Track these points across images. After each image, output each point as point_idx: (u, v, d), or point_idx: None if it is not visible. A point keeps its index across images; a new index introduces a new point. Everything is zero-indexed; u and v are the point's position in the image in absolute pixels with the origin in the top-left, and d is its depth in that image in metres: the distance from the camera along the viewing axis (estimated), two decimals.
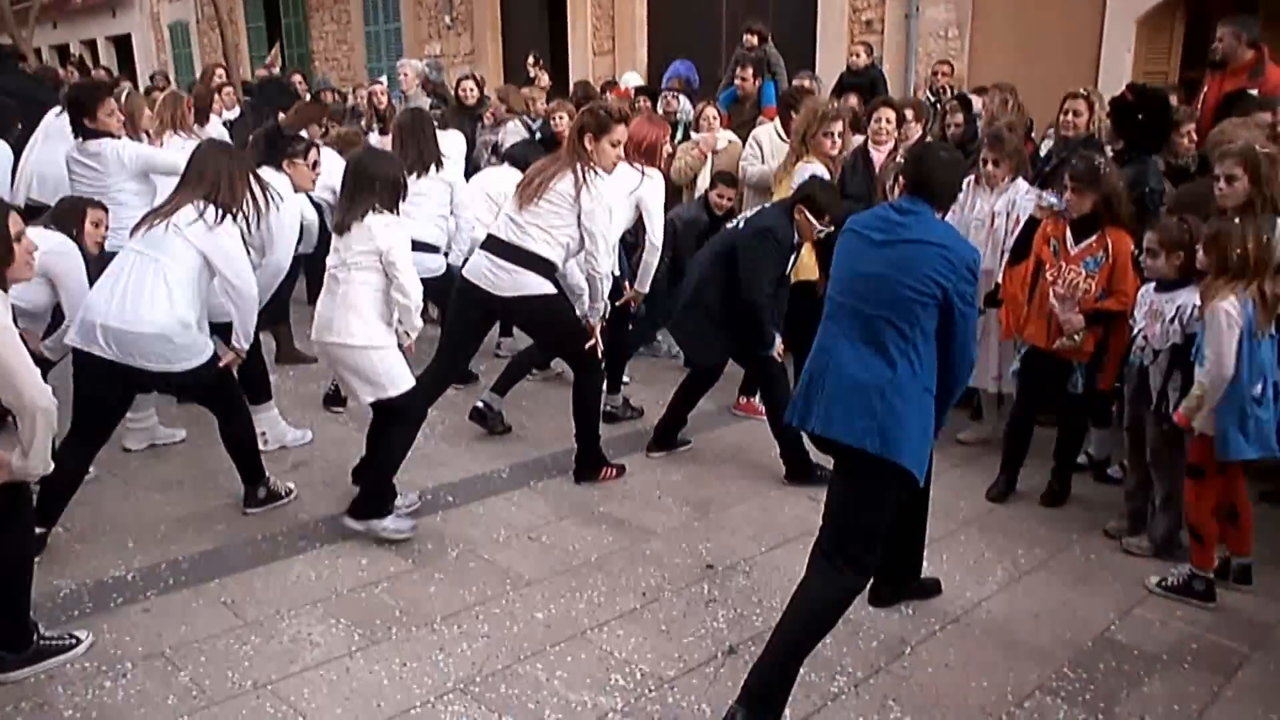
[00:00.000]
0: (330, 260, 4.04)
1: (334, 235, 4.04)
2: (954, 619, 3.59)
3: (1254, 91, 5.55)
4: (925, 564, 3.84)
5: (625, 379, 5.83)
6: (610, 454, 4.90)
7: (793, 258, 4.84)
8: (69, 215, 4.36)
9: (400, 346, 4.10)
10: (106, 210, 4.61)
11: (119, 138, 5.32)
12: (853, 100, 7.34)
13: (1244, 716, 3.05)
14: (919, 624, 3.53)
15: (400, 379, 4.05)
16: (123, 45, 22.96)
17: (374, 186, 3.94)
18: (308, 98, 8.54)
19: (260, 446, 4.45)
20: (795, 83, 7.62)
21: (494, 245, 4.53)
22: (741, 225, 4.76)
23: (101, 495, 4.45)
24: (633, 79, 9.58)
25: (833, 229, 4.54)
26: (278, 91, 8.73)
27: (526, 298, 4.48)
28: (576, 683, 3.15)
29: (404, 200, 4.12)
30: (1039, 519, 4.44)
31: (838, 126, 5.77)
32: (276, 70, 10.50)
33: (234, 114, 8.63)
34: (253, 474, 4.33)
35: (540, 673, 3.20)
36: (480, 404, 5.29)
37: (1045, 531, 4.30)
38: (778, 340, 4.73)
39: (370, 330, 3.98)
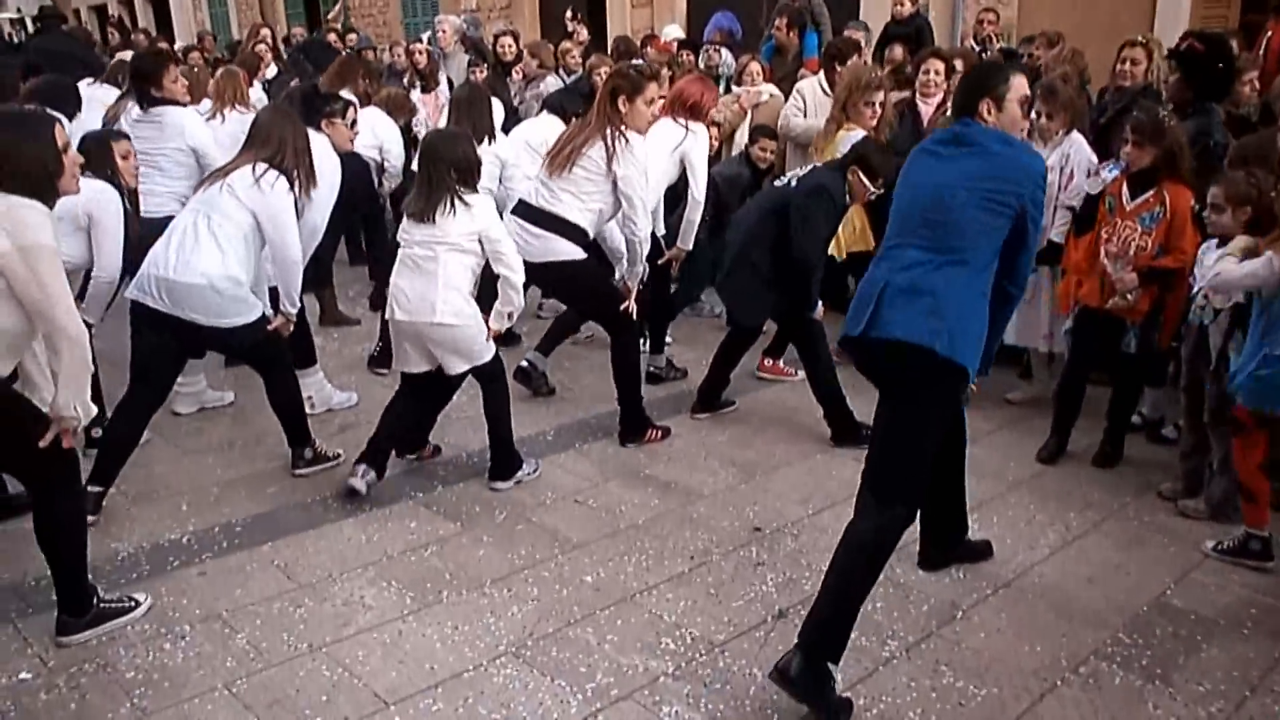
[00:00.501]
0: (413, 241, 4.01)
1: (411, 220, 4.01)
2: (1005, 583, 3.55)
3: None
4: (975, 526, 3.81)
5: (668, 339, 5.79)
6: (655, 415, 4.88)
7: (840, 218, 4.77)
8: (99, 155, 4.35)
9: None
10: (129, 138, 4.64)
11: (184, 105, 5.37)
12: (897, 51, 7.17)
13: None
14: (970, 588, 3.50)
15: (488, 347, 4.15)
16: (160, 4, 23.00)
17: (451, 171, 3.96)
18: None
19: (307, 410, 4.49)
20: (846, 33, 7.45)
21: (524, 210, 4.53)
22: (794, 184, 4.68)
23: (154, 458, 4.52)
24: (673, 31, 9.43)
25: (884, 191, 4.48)
26: (320, 50, 8.69)
27: (558, 263, 4.47)
28: (627, 646, 3.16)
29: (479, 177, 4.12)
30: (1091, 481, 4.37)
31: (879, 96, 5.65)
32: (340, 26, 10.35)
33: (272, 73, 8.62)
34: (299, 436, 4.38)
35: (590, 636, 3.22)
36: (525, 363, 5.29)
37: (1098, 494, 4.24)
38: (819, 304, 4.67)
39: (470, 308, 4.05)
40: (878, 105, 5.64)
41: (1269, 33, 6.19)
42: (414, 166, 4.72)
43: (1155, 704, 2.91)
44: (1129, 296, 4.26)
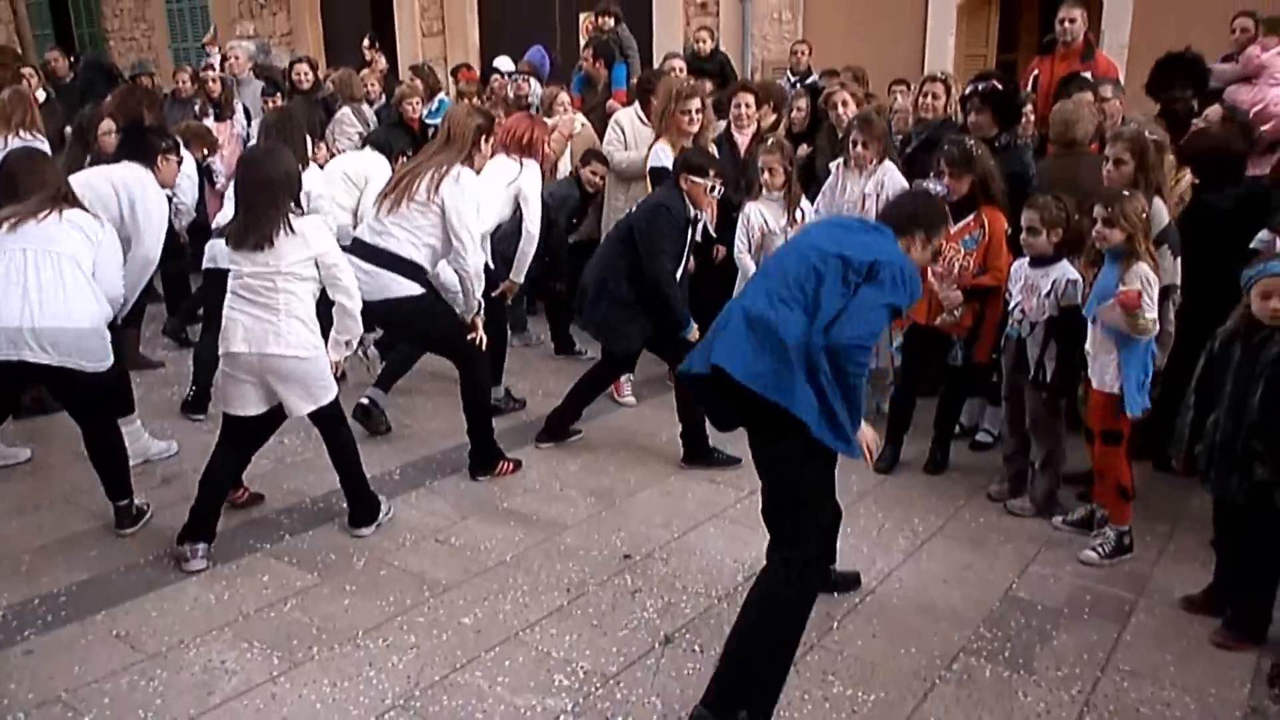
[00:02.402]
0: (244, 271, 3.72)
1: (241, 249, 3.72)
2: (870, 590, 3.71)
3: (1086, 74, 5.96)
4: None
5: None
6: (500, 446, 4.82)
7: (690, 231, 4.85)
8: None
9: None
10: None
11: None
12: (706, 86, 7.39)
13: (1145, 659, 3.29)
14: (840, 598, 3.63)
15: (331, 385, 3.90)
16: None
17: (279, 190, 3.71)
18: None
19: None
20: (666, 62, 7.63)
21: (360, 249, 4.37)
22: (633, 209, 4.75)
23: None
24: (504, 63, 9.27)
25: (721, 183, 4.71)
26: (100, 75, 8.04)
27: (396, 301, 4.35)
28: (520, 686, 3.07)
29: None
30: (926, 487, 4.64)
31: (694, 103, 5.72)
32: (216, 51, 9.31)
33: (41, 97, 7.89)
34: (121, 489, 4.00)
35: (480, 680, 3.10)
36: (365, 400, 5.08)
37: (934, 499, 4.51)
38: (693, 324, 4.74)
39: (315, 339, 3.80)
40: (694, 112, 5.67)
41: (1035, 71, 6.82)
42: (227, 194, 4.51)
43: (1024, 692, 3.11)
44: (955, 313, 4.58)
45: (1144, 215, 3.74)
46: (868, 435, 3.05)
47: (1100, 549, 3.93)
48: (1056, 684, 3.15)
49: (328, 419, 3.97)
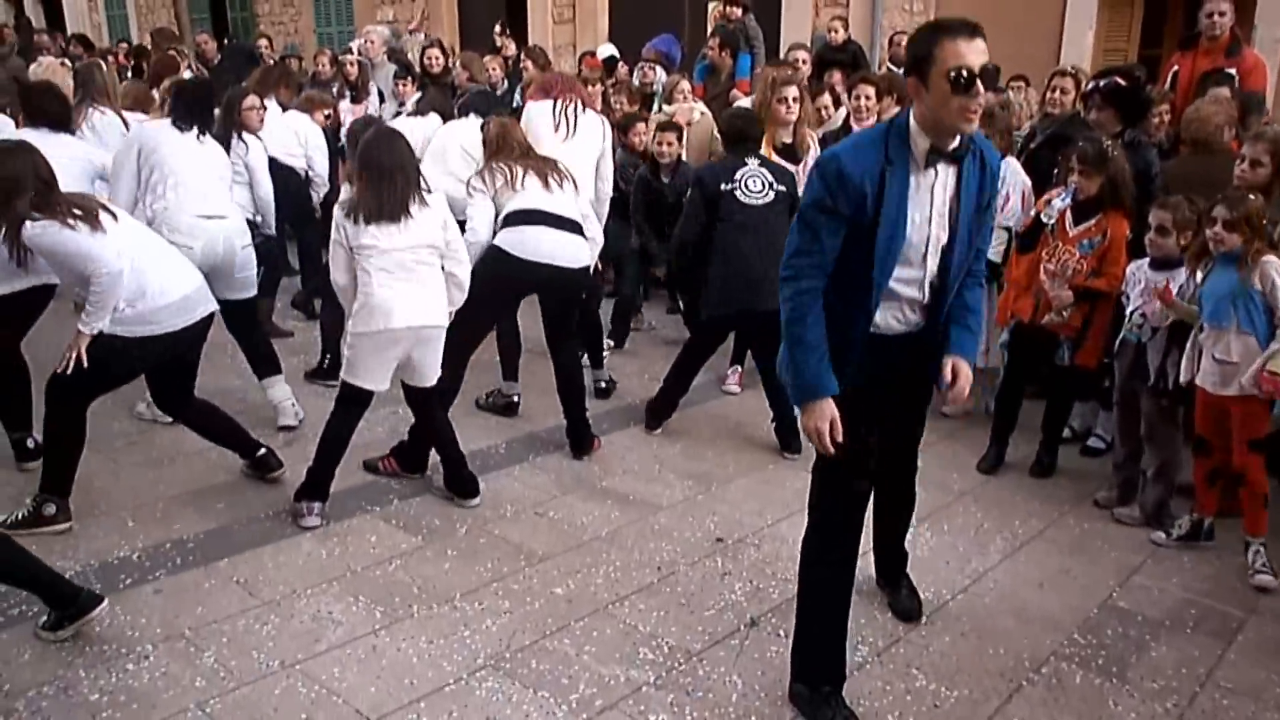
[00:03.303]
0: (391, 247, 3.85)
1: (381, 223, 3.83)
2: (963, 589, 3.68)
3: (1231, 70, 5.69)
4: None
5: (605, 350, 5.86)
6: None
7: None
8: None
9: None
10: None
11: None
12: (836, 76, 7.37)
13: (1249, 677, 3.18)
14: (930, 594, 3.60)
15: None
16: (51, 4, 22.08)
17: (411, 168, 3.93)
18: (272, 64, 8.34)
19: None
20: (790, 54, 7.61)
21: (548, 219, 4.52)
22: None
23: (91, 473, 4.33)
24: (607, 50, 9.44)
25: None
26: (243, 58, 8.50)
27: (586, 268, 4.70)
28: (606, 657, 3.17)
29: None
30: (1030, 490, 4.55)
31: (790, 91, 5.50)
32: (421, 35, 9.69)
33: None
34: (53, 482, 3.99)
35: (569, 648, 3.22)
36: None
37: (1038, 503, 4.42)
38: None
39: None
40: (790, 100, 5.46)
41: (1175, 67, 6.54)
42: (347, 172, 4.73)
43: (1115, 701, 3.05)
44: (1063, 313, 4.47)
45: (1264, 220, 3.59)
46: (816, 417, 2.68)
47: (1175, 529, 3.96)
48: (1151, 696, 3.08)
49: (437, 391, 4.15)
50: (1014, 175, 5.05)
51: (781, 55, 8.45)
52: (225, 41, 10.67)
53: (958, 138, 2.63)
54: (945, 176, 2.67)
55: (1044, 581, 3.75)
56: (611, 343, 6.20)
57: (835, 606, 2.95)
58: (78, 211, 3.60)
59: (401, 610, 3.40)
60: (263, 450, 4.32)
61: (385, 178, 3.85)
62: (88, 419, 3.93)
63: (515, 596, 3.51)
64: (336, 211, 3.90)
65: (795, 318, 2.68)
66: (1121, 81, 4.73)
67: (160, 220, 4.56)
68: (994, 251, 5.00)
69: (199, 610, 3.36)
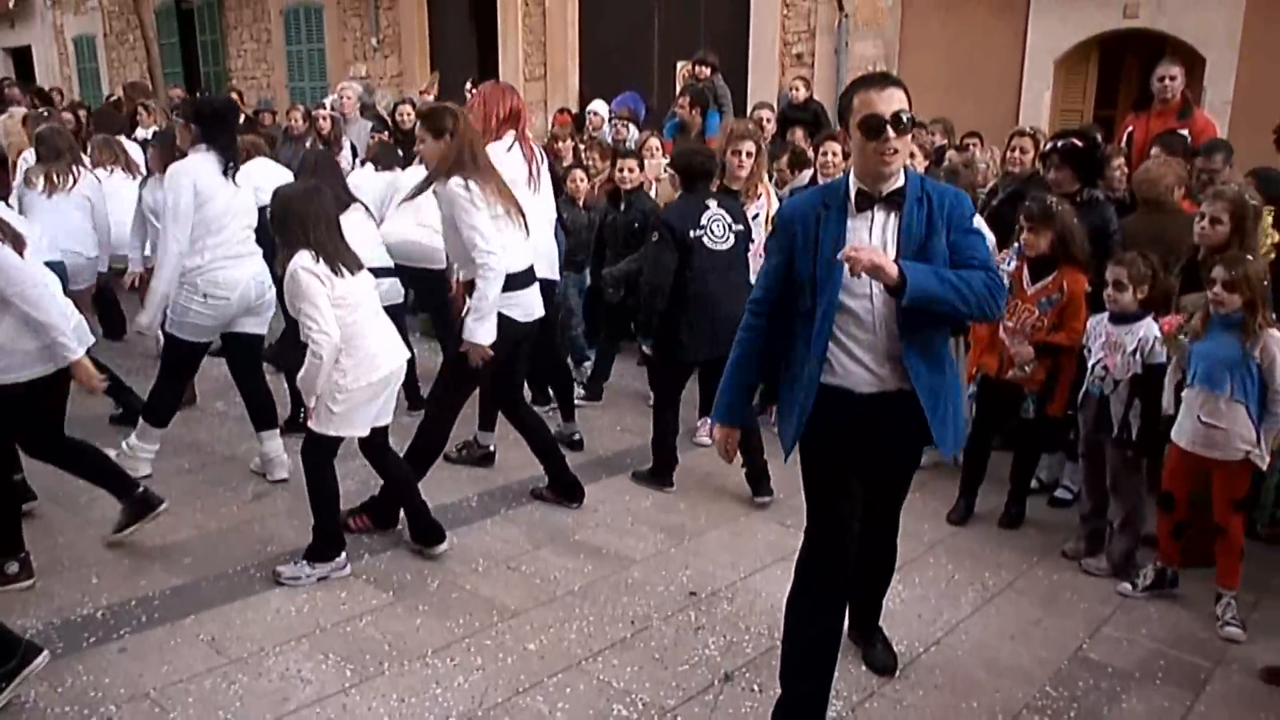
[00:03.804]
0: (367, 289, 3.96)
1: (354, 272, 3.92)
2: (935, 640, 3.69)
3: (1184, 132, 5.88)
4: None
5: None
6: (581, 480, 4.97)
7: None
8: None
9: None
10: None
11: None
12: (798, 134, 7.52)
13: None
14: (903, 647, 3.61)
15: None
16: (21, 58, 22.11)
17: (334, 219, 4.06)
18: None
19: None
20: (755, 113, 7.76)
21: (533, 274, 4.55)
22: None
23: (56, 529, 4.28)
24: (600, 106, 9.53)
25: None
26: None
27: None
28: (579, 714, 3.15)
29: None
30: (999, 541, 4.59)
31: (746, 145, 5.54)
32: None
33: (148, 132, 8.35)
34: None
35: (541, 705, 3.19)
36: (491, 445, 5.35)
37: (1007, 554, 4.45)
38: None
39: None
40: (744, 155, 5.49)
41: (1130, 127, 6.75)
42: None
43: None
44: (1026, 368, 4.55)
45: (1265, 282, 3.69)
46: (720, 437, 3.19)
47: (1141, 579, 4.03)
48: None
49: (387, 433, 4.18)
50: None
51: (748, 114, 8.63)
52: (198, 95, 10.72)
53: (893, 181, 2.80)
54: (885, 219, 2.82)
55: (1015, 633, 3.77)
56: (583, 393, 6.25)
57: (820, 664, 2.97)
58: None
59: (372, 668, 3.35)
60: (141, 489, 4.17)
61: (338, 226, 3.94)
62: (54, 474, 3.89)
63: (488, 653, 3.48)
64: (312, 266, 3.77)
65: (734, 350, 3.08)
66: (1078, 142, 4.88)
67: (196, 274, 4.56)
68: None
69: (164, 669, 3.30)
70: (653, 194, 7.11)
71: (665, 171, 7.31)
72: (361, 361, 3.85)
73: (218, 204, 4.56)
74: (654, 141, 7.55)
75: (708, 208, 4.90)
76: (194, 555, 4.13)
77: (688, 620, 3.77)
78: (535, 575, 4.09)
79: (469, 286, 4.19)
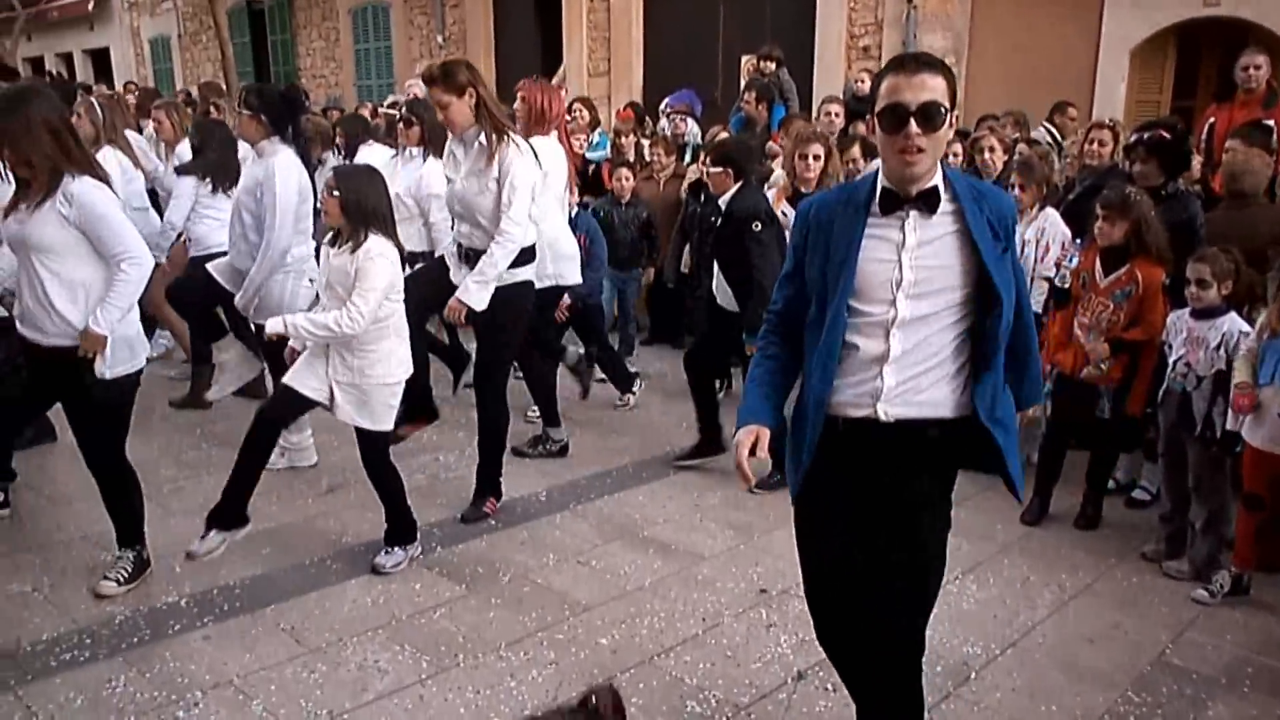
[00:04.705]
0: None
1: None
2: (1011, 643, 3.63)
3: (1269, 122, 5.70)
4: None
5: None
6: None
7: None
8: None
9: None
10: None
11: None
12: (862, 127, 7.42)
13: None
14: (979, 648, 3.57)
15: None
16: (100, 59, 22.76)
17: None
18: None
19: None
20: (825, 107, 7.72)
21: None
22: None
23: None
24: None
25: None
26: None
27: None
28: (653, 709, 3.16)
29: None
30: (1075, 542, 4.50)
31: (813, 148, 5.50)
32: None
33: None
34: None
35: None
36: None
37: (1083, 555, 4.37)
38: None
39: None
40: (811, 159, 5.45)
41: (1211, 119, 6.57)
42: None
43: None
44: (1101, 366, 4.45)
45: None
46: (739, 436, 2.48)
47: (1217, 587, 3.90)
48: None
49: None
50: (1054, 226, 5.06)
51: (814, 108, 8.57)
52: (261, 87, 10.97)
53: (925, 180, 2.33)
54: (915, 223, 2.36)
55: (1094, 636, 3.69)
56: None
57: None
58: None
59: (447, 660, 3.40)
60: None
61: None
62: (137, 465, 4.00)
63: (560, 647, 3.51)
64: (391, 255, 3.82)
65: (751, 368, 2.68)
66: (1165, 134, 4.75)
67: (302, 262, 4.77)
68: (1035, 302, 5.01)
69: (247, 657, 3.38)
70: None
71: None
72: (406, 356, 3.96)
73: (309, 195, 4.76)
74: (723, 135, 7.54)
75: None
76: (272, 546, 4.22)
77: (759, 618, 3.76)
78: (606, 570, 4.10)
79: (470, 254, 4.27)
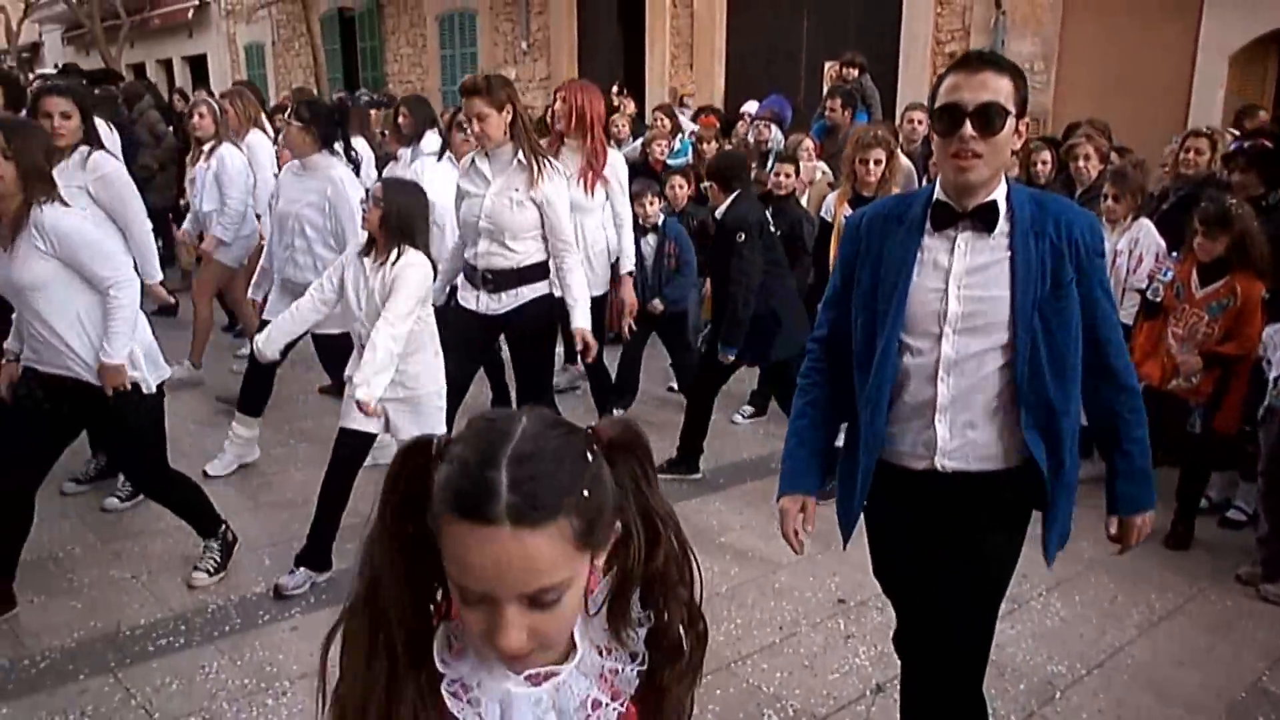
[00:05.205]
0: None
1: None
2: (1098, 663, 3.55)
3: None
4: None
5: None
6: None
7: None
8: None
9: None
10: None
11: None
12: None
13: None
14: (1064, 667, 3.50)
15: None
16: (198, 65, 23.54)
17: None
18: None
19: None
20: (908, 113, 7.64)
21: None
22: None
23: (230, 511, 4.52)
24: (750, 107, 9.63)
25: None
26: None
27: None
28: (730, 716, 3.16)
29: None
30: (1165, 562, 4.38)
31: (874, 154, 5.38)
32: (687, 110, 10.24)
33: None
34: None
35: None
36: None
37: (1173, 575, 4.24)
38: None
39: None
40: (872, 163, 5.35)
41: None
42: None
43: None
44: (1193, 379, 4.32)
45: None
46: (786, 522, 2.51)
47: None
48: None
49: None
50: (1148, 236, 4.93)
51: (898, 114, 8.47)
52: (309, 100, 11.29)
53: (984, 193, 2.17)
54: (966, 245, 2.20)
55: (1185, 660, 3.59)
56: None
57: None
58: None
59: None
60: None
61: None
62: None
63: None
64: (428, 267, 3.79)
65: (795, 401, 2.50)
66: (1267, 144, 4.60)
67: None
68: (1125, 314, 4.89)
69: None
70: (804, 199, 7.06)
71: (819, 173, 7.25)
72: (442, 366, 3.97)
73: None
74: (807, 143, 7.48)
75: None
76: (357, 541, 4.29)
77: (837, 628, 3.73)
78: None
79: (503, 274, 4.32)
